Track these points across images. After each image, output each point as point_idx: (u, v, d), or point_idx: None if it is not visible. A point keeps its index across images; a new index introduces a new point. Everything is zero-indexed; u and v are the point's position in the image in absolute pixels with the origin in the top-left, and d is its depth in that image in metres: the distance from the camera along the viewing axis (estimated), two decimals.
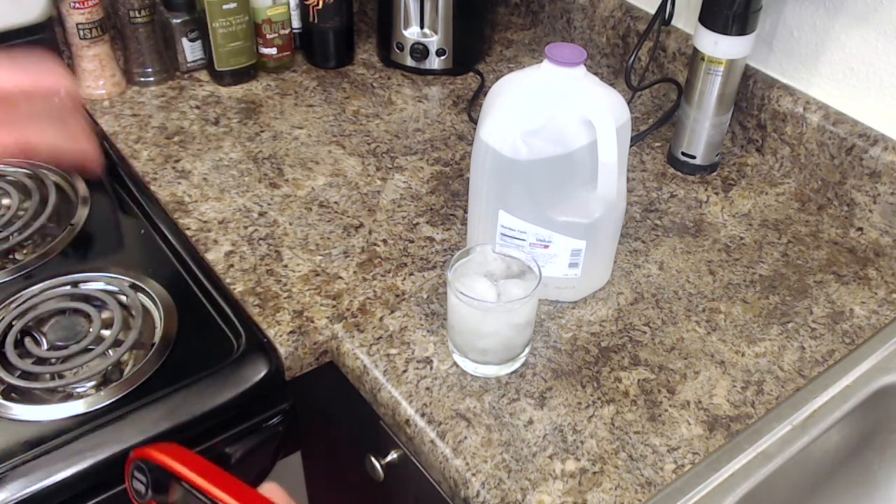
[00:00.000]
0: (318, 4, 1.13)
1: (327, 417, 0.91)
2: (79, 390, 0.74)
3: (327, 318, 0.80)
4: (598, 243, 0.79)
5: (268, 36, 1.13)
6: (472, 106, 1.12)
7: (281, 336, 0.78)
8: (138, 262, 0.86)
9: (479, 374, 0.75)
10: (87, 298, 0.82)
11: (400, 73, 1.19)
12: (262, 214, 0.92)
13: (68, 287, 0.83)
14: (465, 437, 0.70)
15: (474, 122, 1.09)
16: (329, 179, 0.98)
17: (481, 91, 1.15)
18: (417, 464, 0.76)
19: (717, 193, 0.98)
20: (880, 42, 0.90)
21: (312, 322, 0.80)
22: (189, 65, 1.14)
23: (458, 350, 0.75)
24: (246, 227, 0.90)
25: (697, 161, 1.00)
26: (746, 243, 0.91)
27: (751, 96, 1.01)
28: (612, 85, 0.78)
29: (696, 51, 0.94)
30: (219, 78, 1.13)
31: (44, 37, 1.03)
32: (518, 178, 0.75)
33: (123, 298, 0.82)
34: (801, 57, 0.97)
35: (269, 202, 0.94)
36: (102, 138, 1.03)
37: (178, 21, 1.10)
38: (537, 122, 0.73)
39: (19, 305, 0.80)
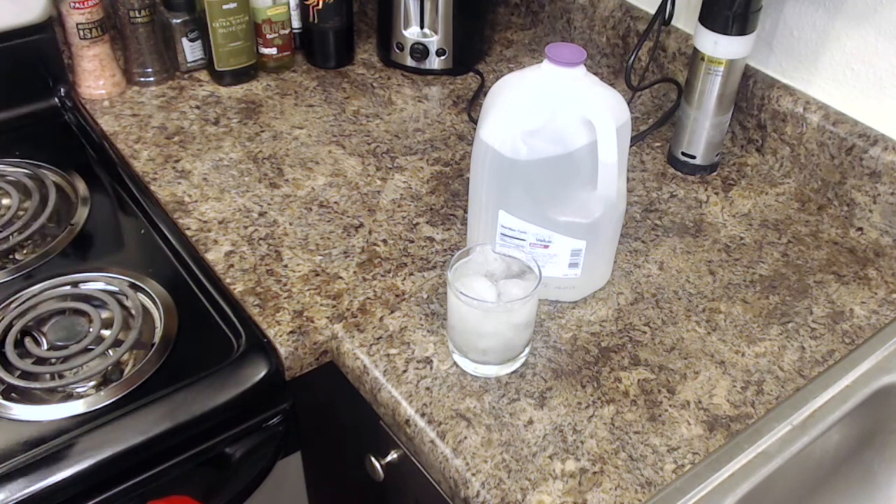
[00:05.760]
0: (318, 4, 1.13)
1: (327, 417, 0.91)
2: (79, 390, 0.74)
3: (327, 318, 0.80)
4: (598, 243, 0.79)
5: (268, 36, 1.13)
6: (472, 106, 1.12)
7: (281, 336, 0.78)
8: (138, 262, 0.86)
9: (479, 374, 0.75)
10: (87, 298, 0.82)
11: (400, 73, 1.19)
12: (262, 214, 0.92)
13: (68, 287, 0.83)
14: (465, 437, 0.70)
15: (474, 122, 1.09)
16: (329, 179, 0.98)
17: (481, 91, 1.15)
18: (417, 464, 0.76)
19: (717, 193, 0.98)
20: (880, 42, 0.89)
21: (312, 322, 0.80)
22: (189, 65, 1.14)
23: (458, 350, 0.75)
24: (246, 227, 0.90)
25: (697, 161, 1.00)
26: (746, 243, 0.91)
27: (751, 96, 1.01)
28: (612, 85, 0.78)
29: (696, 51, 0.94)
30: (219, 78, 1.13)
31: (44, 37, 1.03)
32: (518, 178, 0.75)
33: (123, 298, 0.82)
34: (801, 57, 0.97)
35: (269, 202, 0.94)
36: (102, 138, 1.03)
37: (178, 21, 1.10)
38: (537, 122, 0.73)
39: (19, 305, 0.80)
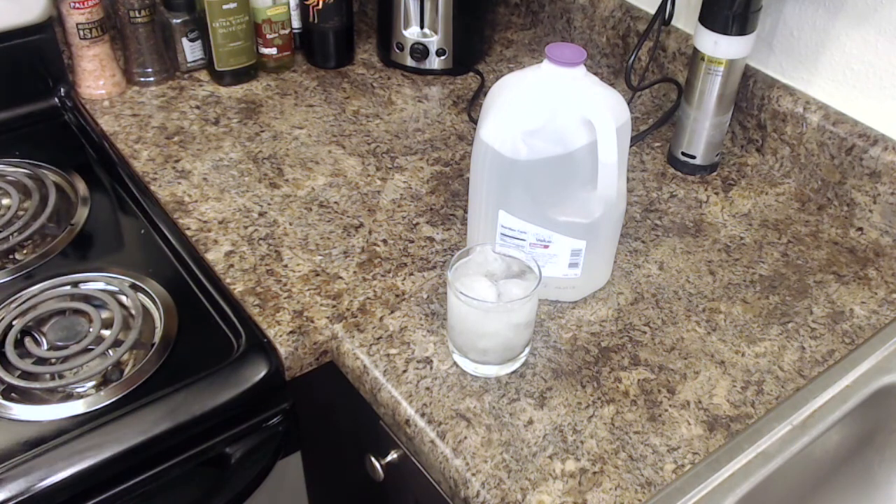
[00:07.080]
0: (318, 4, 1.13)
1: (327, 417, 0.91)
2: (79, 390, 0.74)
3: (327, 318, 0.80)
4: (598, 243, 0.79)
5: (268, 36, 1.13)
6: (472, 106, 1.12)
7: (281, 336, 0.78)
8: (138, 262, 0.86)
9: (479, 374, 0.75)
10: (87, 298, 0.82)
11: (400, 73, 1.19)
12: (262, 214, 0.92)
13: (68, 287, 0.83)
14: (465, 437, 0.70)
15: (474, 122, 1.09)
16: (329, 179, 0.98)
17: (481, 91, 1.15)
18: (417, 464, 0.76)
19: (717, 193, 0.98)
20: (880, 42, 0.90)
21: (312, 322, 0.80)
22: (189, 65, 1.14)
23: (458, 350, 0.75)
24: (246, 227, 0.90)
25: (697, 161, 1.00)
26: (746, 243, 0.91)
27: (751, 96, 1.01)
28: (612, 85, 0.78)
29: (696, 51, 0.94)
30: (219, 78, 1.13)
31: (44, 37, 1.03)
32: (518, 178, 0.75)
33: (123, 298, 0.82)
34: (801, 57, 0.97)
35: (269, 202, 0.94)
36: (102, 138, 1.03)
37: (178, 21, 1.10)
38: (537, 122, 0.73)
39: (19, 305, 0.80)
